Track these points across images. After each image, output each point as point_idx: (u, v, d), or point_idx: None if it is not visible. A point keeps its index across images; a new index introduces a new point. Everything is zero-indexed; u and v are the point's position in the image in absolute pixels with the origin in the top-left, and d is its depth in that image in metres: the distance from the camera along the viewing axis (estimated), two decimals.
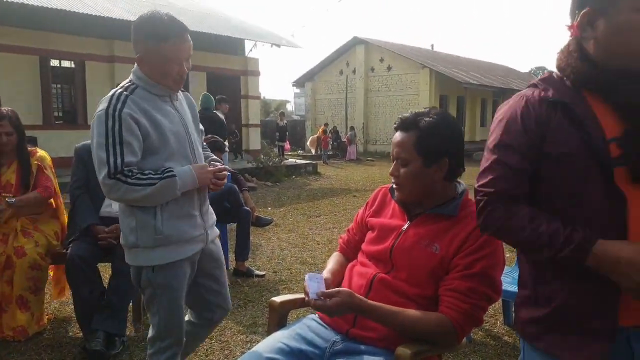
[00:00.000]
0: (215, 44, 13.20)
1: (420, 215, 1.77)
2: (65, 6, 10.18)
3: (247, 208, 4.54)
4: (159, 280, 1.98)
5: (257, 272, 4.58)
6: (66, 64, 12.37)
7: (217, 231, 2.25)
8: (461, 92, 22.90)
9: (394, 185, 1.80)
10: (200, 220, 2.06)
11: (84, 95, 12.13)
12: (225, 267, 2.33)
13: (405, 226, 1.78)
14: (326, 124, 22.22)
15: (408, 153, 1.70)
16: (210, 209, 2.20)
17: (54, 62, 12.02)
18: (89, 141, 1.92)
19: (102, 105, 1.85)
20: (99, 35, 11.76)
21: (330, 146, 20.44)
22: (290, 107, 52.01)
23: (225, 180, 2.10)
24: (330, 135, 20.75)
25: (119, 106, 1.83)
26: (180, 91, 2.09)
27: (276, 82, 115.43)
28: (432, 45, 31.72)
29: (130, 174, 1.83)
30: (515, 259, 3.46)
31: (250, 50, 15.80)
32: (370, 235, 1.88)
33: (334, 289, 1.62)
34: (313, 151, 20.87)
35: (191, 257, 2.05)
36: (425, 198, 1.75)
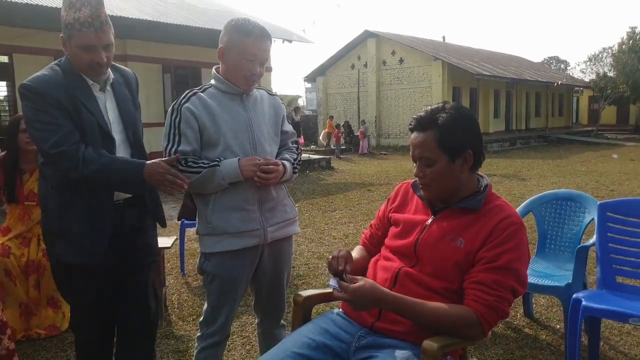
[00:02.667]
0: None
1: (444, 209, 1.77)
2: None
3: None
4: (209, 268, 2.10)
5: None
6: None
7: (287, 231, 2.22)
8: (474, 84, 22.71)
9: (420, 186, 1.80)
10: (257, 216, 2.08)
11: None
12: (287, 273, 2.31)
13: (430, 221, 1.78)
14: (331, 117, 22.14)
15: (431, 152, 1.69)
16: (283, 208, 2.18)
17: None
18: None
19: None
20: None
21: (342, 140, 20.38)
22: (302, 102, 51.99)
23: (278, 176, 2.06)
24: (342, 129, 20.67)
25: (182, 101, 2.05)
26: (269, 94, 2.26)
27: (288, 78, 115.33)
28: (444, 37, 31.50)
29: (183, 161, 1.99)
30: (536, 249, 3.45)
31: None
32: (393, 230, 1.89)
33: (357, 276, 1.64)
34: (325, 144, 20.79)
35: (243, 252, 2.07)
36: (452, 193, 1.75)
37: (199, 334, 2.18)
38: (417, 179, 1.81)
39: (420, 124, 1.72)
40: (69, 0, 1.90)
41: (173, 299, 3.90)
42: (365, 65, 24.82)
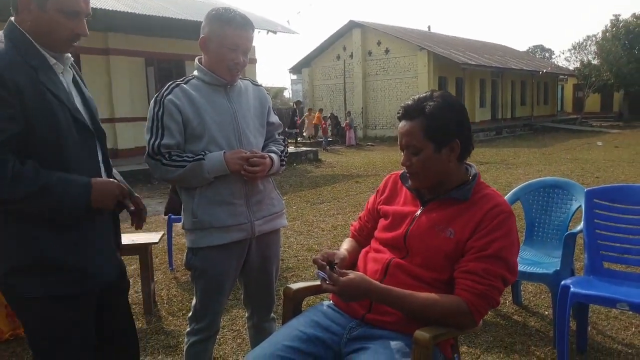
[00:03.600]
0: None
1: (433, 200, 1.76)
2: None
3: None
4: (196, 263, 2.08)
5: None
6: None
7: (275, 225, 2.20)
8: (460, 74, 22.77)
9: (408, 175, 1.79)
10: (244, 209, 2.06)
11: None
12: (276, 266, 2.29)
13: (419, 212, 1.77)
14: (321, 110, 22.03)
15: (418, 140, 1.69)
16: (270, 201, 2.17)
17: None
18: None
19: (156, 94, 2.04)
20: (94, 27, 11.66)
21: (329, 132, 20.33)
22: (287, 93, 51.80)
23: (265, 169, 2.03)
24: (328, 121, 20.61)
25: (165, 93, 2.00)
26: (253, 84, 2.22)
27: (273, 69, 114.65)
28: (429, 27, 31.48)
29: (167, 155, 1.96)
30: (524, 237, 3.47)
31: None
32: (383, 222, 1.88)
33: (346, 270, 1.63)
34: (307, 135, 20.51)
35: (230, 246, 2.05)
36: (440, 182, 1.75)
37: (188, 329, 2.16)
38: (404, 169, 1.80)
39: (408, 113, 1.71)
40: None
41: (162, 294, 3.87)
42: (351, 56, 24.74)
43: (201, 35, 2.04)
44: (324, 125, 19.76)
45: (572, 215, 3.25)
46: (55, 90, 1.56)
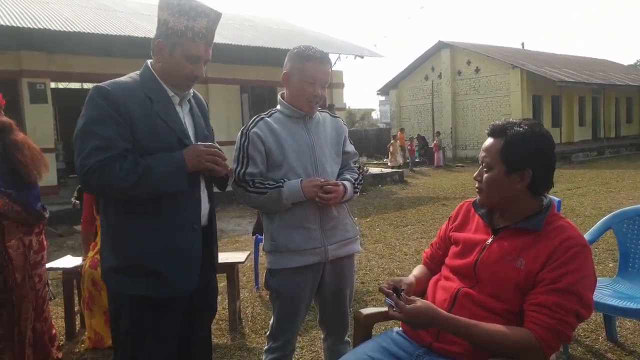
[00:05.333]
0: None
1: (505, 229, 1.76)
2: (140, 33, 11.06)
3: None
4: (273, 284, 2.22)
5: None
6: None
7: (348, 250, 2.29)
8: (556, 92, 21.64)
9: (477, 189, 1.81)
10: (318, 234, 2.17)
11: None
12: (350, 290, 2.36)
13: (490, 240, 1.77)
14: (402, 129, 21.68)
15: (492, 158, 1.72)
16: (344, 227, 2.26)
17: None
18: None
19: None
20: None
21: (417, 153, 20.00)
22: (375, 115, 51.94)
23: (338, 196, 2.15)
24: (415, 142, 20.29)
25: (250, 126, 2.19)
26: (331, 116, 2.37)
27: (361, 92, 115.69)
28: (523, 44, 30.37)
29: (251, 182, 2.13)
30: (617, 269, 3.27)
31: (334, 63, 16.07)
32: (454, 249, 1.90)
33: (413, 297, 1.67)
34: (390, 162, 18.77)
35: (305, 269, 2.17)
36: (504, 207, 1.75)
37: (266, 347, 2.28)
38: (478, 197, 1.82)
39: (494, 131, 1.76)
40: (179, 7, 1.80)
41: (247, 312, 4.06)
42: (440, 76, 24.44)
43: (283, 71, 2.21)
44: (410, 146, 19.47)
45: None
46: (166, 117, 1.86)
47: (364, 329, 1.97)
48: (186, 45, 1.82)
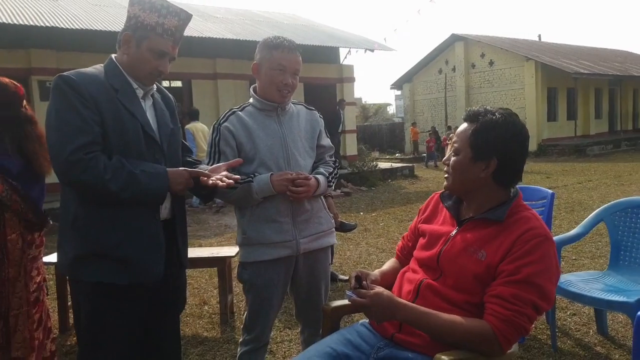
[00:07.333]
0: (312, 55, 13.59)
1: (469, 221, 1.75)
2: None
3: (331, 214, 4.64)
4: (245, 277, 2.23)
5: (341, 276, 4.67)
6: (176, 83, 13.48)
7: (322, 243, 2.29)
8: (571, 84, 21.29)
9: (444, 173, 1.81)
10: (290, 227, 2.18)
11: None
12: (325, 283, 2.36)
13: (454, 232, 1.76)
14: (414, 123, 21.42)
15: (461, 143, 1.72)
16: (318, 220, 2.26)
17: (165, 83, 13.16)
18: None
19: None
20: (204, 55, 12.62)
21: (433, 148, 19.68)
22: (391, 109, 51.65)
23: (310, 190, 2.14)
24: (429, 136, 20.03)
25: (221, 121, 2.19)
26: (307, 109, 2.36)
27: (377, 86, 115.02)
28: (539, 36, 29.95)
29: None
30: (609, 263, 3.22)
31: (345, 57, 16.02)
32: (421, 241, 1.89)
33: (374, 285, 1.67)
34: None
35: (276, 262, 2.17)
36: (468, 194, 1.75)
37: (240, 339, 2.30)
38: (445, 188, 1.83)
39: (468, 116, 1.76)
40: (151, 4, 1.82)
41: (240, 305, 4.08)
42: (454, 70, 24.21)
43: (253, 62, 2.21)
44: (428, 142, 19.02)
45: None
46: (130, 107, 1.85)
47: (332, 321, 1.97)
48: (154, 39, 1.84)
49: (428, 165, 17.81)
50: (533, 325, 1.97)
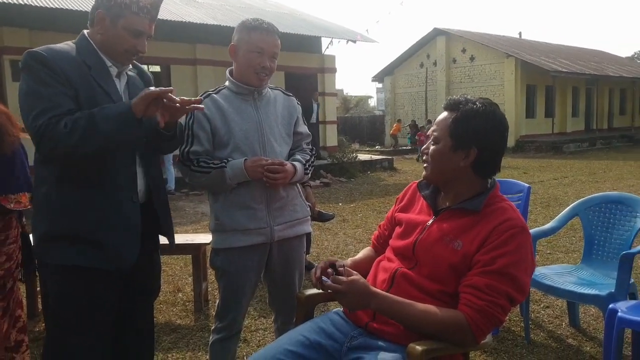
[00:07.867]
0: (293, 44, 13.47)
1: (446, 210, 1.73)
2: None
3: (308, 203, 4.61)
4: (217, 263, 2.18)
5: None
6: (154, 68, 13.22)
7: (297, 231, 2.24)
8: (550, 82, 21.55)
9: (424, 164, 1.78)
10: (264, 214, 2.13)
11: None
12: (299, 271, 2.32)
13: (430, 221, 1.74)
14: (399, 120, 21.48)
15: (441, 132, 1.69)
16: (293, 207, 2.21)
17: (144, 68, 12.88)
18: None
19: None
20: (184, 40, 12.41)
21: (408, 141, 19.75)
22: (372, 102, 51.73)
23: (286, 176, 2.09)
24: (408, 129, 20.08)
25: None
26: (284, 94, 2.31)
27: (358, 78, 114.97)
28: (520, 34, 30.17)
29: (195, 161, 2.07)
30: (582, 256, 3.25)
31: (327, 47, 15.92)
32: (397, 230, 1.87)
33: (350, 270, 1.62)
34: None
35: (250, 249, 2.13)
36: (447, 184, 1.73)
37: (212, 327, 2.25)
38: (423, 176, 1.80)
39: (448, 104, 1.73)
40: None
41: (215, 293, 4.02)
42: (435, 64, 24.30)
43: (231, 44, 2.14)
44: (420, 135, 18.91)
45: (636, 233, 3.00)
46: (104, 85, 1.80)
47: (306, 309, 1.94)
48: (130, 18, 1.77)
49: (419, 160, 17.83)
50: (507, 317, 1.97)
